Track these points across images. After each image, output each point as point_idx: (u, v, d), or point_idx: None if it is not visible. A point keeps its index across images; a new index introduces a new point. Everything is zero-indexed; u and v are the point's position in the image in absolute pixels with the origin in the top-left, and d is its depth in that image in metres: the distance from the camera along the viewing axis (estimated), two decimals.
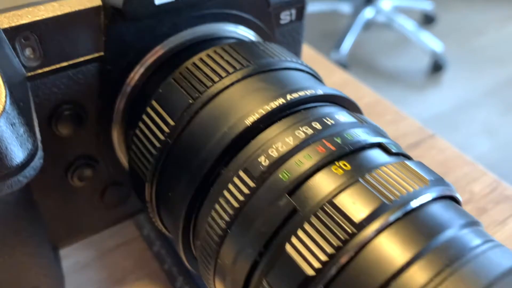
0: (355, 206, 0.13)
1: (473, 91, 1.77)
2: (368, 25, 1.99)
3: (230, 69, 0.17)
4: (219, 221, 0.15)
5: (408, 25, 1.86)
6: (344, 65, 1.72)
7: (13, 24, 0.16)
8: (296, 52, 0.24)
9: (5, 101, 0.13)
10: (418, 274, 0.12)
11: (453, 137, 1.50)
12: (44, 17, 0.16)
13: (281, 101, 0.16)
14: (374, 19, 1.89)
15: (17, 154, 0.14)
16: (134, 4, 0.17)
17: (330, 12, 2.00)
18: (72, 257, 0.26)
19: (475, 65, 1.89)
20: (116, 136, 0.20)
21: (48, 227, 0.20)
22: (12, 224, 0.16)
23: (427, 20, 2.10)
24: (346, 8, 1.88)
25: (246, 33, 0.21)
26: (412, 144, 0.34)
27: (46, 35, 0.17)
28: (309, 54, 0.43)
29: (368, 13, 1.89)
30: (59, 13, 0.16)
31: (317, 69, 0.40)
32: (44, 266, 0.20)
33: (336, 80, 0.39)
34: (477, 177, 0.32)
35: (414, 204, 0.13)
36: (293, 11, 0.23)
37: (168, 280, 0.25)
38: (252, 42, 0.19)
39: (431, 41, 1.84)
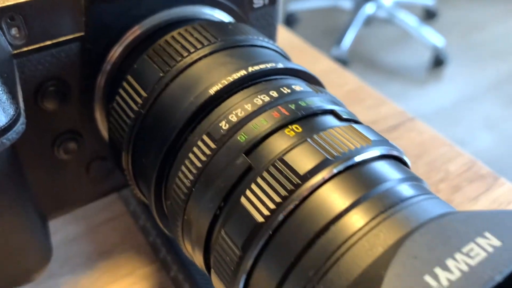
0: (302, 161, 0.15)
1: (474, 85, 1.77)
2: (369, 20, 2.00)
3: (199, 45, 0.19)
4: (185, 180, 0.17)
5: (409, 20, 1.86)
6: (345, 60, 1.73)
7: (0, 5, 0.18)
8: (271, 35, 0.25)
9: None
10: (355, 218, 0.14)
11: (454, 131, 1.50)
12: None
13: (242, 73, 0.17)
14: (375, 14, 1.90)
15: (3, 115, 0.15)
16: None
17: (331, 8, 2.01)
18: (62, 231, 0.27)
19: (476, 60, 1.89)
20: (98, 112, 0.22)
21: (37, 198, 0.21)
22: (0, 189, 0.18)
23: (428, 15, 2.10)
24: (347, 4, 1.89)
25: (221, 16, 0.22)
26: (392, 127, 0.36)
27: (30, 15, 0.18)
28: (296, 43, 0.44)
29: (369, 8, 1.90)
30: None
31: (303, 57, 0.42)
32: (32, 234, 0.21)
33: (322, 68, 0.41)
34: (453, 157, 0.34)
35: (356, 159, 0.15)
36: None
37: (152, 251, 0.27)
38: (222, 22, 0.21)
39: (432, 36, 1.84)
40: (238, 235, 0.15)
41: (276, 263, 0.14)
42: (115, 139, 0.20)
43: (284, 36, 0.45)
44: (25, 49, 0.19)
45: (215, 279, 0.17)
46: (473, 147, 1.44)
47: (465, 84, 1.75)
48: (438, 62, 1.83)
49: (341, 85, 0.39)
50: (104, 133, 0.22)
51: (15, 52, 0.19)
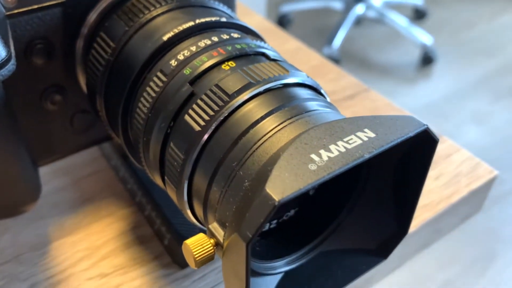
0: (231, 85, 0.19)
1: (463, 81, 1.81)
2: (360, 20, 2.04)
3: (157, 5, 0.23)
4: (143, 109, 0.21)
5: (399, 20, 1.90)
6: (336, 59, 1.77)
7: None
8: (230, 5, 0.29)
9: None
10: (268, 123, 0.18)
11: (443, 125, 1.54)
12: None
13: (191, 23, 0.21)
14: (365, 14, 1.94)
15: None
16: None
17: (322, 9, 2.05)
18: (51, 183, 0.31)
19: (464, 57, 1.93)
20: (79, 69, 0.26)
21: (27, 143, 0.25)
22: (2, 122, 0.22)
23: (418, 15, 2.14)
24: (337, 5, 1.93)
25: None
26: (349, 96, 0.40)
27: None
28: (267, 26, 0.49)
29: (359, 9, 1.94)
30: None
31: (273, 38, 0.46)
32: (24, 170, 0.25)
33: (289, 48, 0.45)
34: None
35: (273, 84, 0.19)
36: None
37: (130, 196, 0.31)
38: None
39: (421, 35, 1.88)
40: (182, 143, 0.19)
41: (210, 161, 0.18)
42: (91, 86, 0.24)
43: (258, 22, 0.49)
44: (16, 11, 0.23)
45: (168, 188, 0.21)
46: (462, 141, 1.48)
47: (453, 81, 1.79)
48: (427, 60, 1.86)
49: (306, 61, 0.43)
50: (84, 88, 0.26)
51: (8, 13, 0.23)
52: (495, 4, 2.25)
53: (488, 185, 0.33)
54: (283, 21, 1.98)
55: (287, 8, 1.96)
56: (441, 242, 0.33)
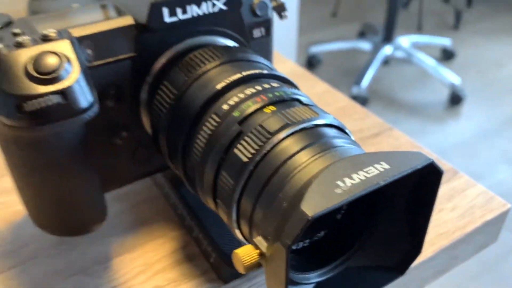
0: (272, 125, 0.23)
1: (492, 121, 1.82)
2: (388, 60, 2.08)
3: (211, 60, 0.28)
4: (200, 144, 0.25)
5: (427, 59, 1.93)
6: (364, 98, 1.81)
7: (80, 34, 0.27)
8: (267, 59, 0.34)
9: (80, 70, 0.24)
10: (302, 156, 0.22)
11: (473, 165, 1.55)
12: (99, 30, 0.28)
13: (238, 75, 0.26)
14: (393, 55, 1.98)
15: (86, 100, 0.24)
16: (152, 21, 0.28)
17: (351, 50, 2.10)
18: (112, 207, 0.36)
19: (493, 97, 1.94)
20: (143, 111, 0.31)
21: (97, 171, 0.30)
22: (77, 150, 0.27)
23: (446, 56, 2.17)
24: (365, 46, 1.98)
25: (229, 43, 0.32)
26: (374, 134, 0.44)
27: (99, 41, 0.28)
28: (298, 71, 0.54)
29: (387, 49, 1.98)
30: (108, 28, 0.28)
31: (304, 82, 0.51)
32: (95, 194, 0.30)
33: (318, 90, 0.50)
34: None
35: (306, 124, 0.23)
36: (263, 29, 0.33)
37: (179, 220, 0.35)
38: (228, 46, 0.30)
39: (450, 75, 1.90)
40: (232, 172, 0.23)
41: (255, 187, 0.23)
42: (154, 126, 0.29)
43: (291, 67, 0.54)
44: (95, 63, 0.28)
45: (220, 210, 0.25)
46: (491, 181, 1.48)
47: (482, 120, 1.79)
48: (455, 99, 1.88)
49: (333, 102, 0.48)
50: (147, 127, 0.31)
51: (89, 65, 0.28)
52: None
53: (502, 217, 0.36)
54: (312, 62, 2.04)
55: (316, 49, 2.02)
56: (459, 268, 0.36)
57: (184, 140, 0.26)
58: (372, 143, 0.42)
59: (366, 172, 0.21)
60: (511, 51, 2.21)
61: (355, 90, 1.81)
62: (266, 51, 0.34)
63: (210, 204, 0.26)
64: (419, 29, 2.30)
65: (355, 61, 2.08)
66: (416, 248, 0.25)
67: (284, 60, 0.56)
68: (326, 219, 0.25)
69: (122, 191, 0.36)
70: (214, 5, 0.29)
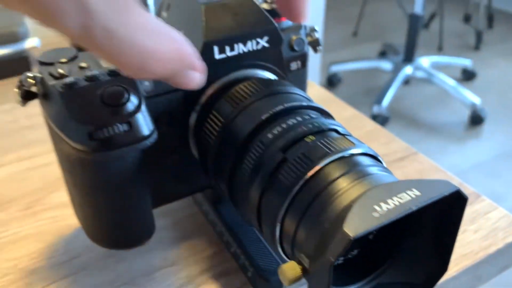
0: (314, 153, 0.26)
1: None
2: (408, 80, 2.10)
3: (255, 93, 0.31)
4: (247, 168, 0.28)
5: (447, 80, 1.94)
6: (385, 117, 1.83)
7: None
8: (302, 88, 0.37)
9: (143, 102, 0.27)
10: (341, 182, 0.25)
11: (494, 185, 1.55)
12: None
13: (281, 107, 0.29)
14: (413, 74, 1.99)
15: (148, 128, 0.28)
16: (204, 58, 0.31)
17: (372, 69, 2.13)
18: (156, 223, 0.39)
19: None
20: (190, 136, 0.34)
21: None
22: (135, 171, 0.30)
23: (467, 76, 2.17)
24: (386, 66, 2.01)
25: (268, 75, 0.35)
26: (399, 158, 0.46)
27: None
28: (326, 96, 0.56)
29: (407, 69, 1.99)
30: None
31: (333, 106, 0.54)
32: (148, 211, 0.33)
33: (346, 115, 0.52)
34: None
35: (344, 153, 0.26)
36: (299, 62, 0.36)
37: (218, 237, 0.38)
38: (269, 79, 0.33)
39: (470, 95, 1.90)
40: (277, 195, 0.26)
41: (298, 209, 0.25)
42: (202, 150, 0.32)
43: (320, 93, 0.57)
44: (152, 94, 0.32)
45: (264, 228, 0.28)
46: None
47: (503, 141, 1.79)
48: (476, 119, 1.88)
49: (360, 127, 0.50)
50: (193, 149, 0.34)
51: (147, 96, 0.31)
52: None
53: None
54: (333, 80, 2.06)
55: (337, 68, 2.05)
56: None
57: (231, 164, 0.29)
58: (398, 167, 0.45)
59: (400, 198, 0.23)
60: None
61: (375, 109, 1.83)
62: (301, 81, 0.37)
63: (253, 222, 0.29)
64: (440, 50, 2.32)
65: (375, 80, 2.11)
66: (442, 267, 0.27)
67: (312, 84, 0.59)
68: (360, 239, 0.28)
69: (165, 208, 0.39)
70: (258, 43, 0.32)
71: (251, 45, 0.32)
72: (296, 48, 0.35)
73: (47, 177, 0.45)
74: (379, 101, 1.83)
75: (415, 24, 1.91)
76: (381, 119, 1.77)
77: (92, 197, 0.30)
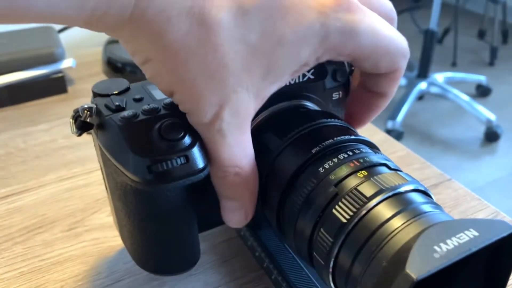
0: (367, 190, 0.26)
1: None
2: (422, 95, 2.09)
3: (305, 125, 0.31)
4: (298, 201, 0.29)
5: (462, 95, 1.93)
6: (399, 133, 1.82)
7: None
8: (343, 116, 0.38)
9: (197, 135, 0.28)
10: (397, 220, 0.25)
11: (510, 203, 1.54)
12: None
13: (331, 141, 0.30)
14: (428, 90, 1.99)
15: (203, 161, 0.28)
16: None
17: None
18: None
19: None
20: None
21: None
22: (187, 202, 0.30)
23: (481, 92, 2.16)
24: (401, 81, 2.00)
25: (312, 106, 0.35)
26: (433, 185, 0.46)
27: None
28: None
29: (422, 85, 1.99)
30: None
31: (364, 131, 0.53)
32: (194, 238, 0.33)
33: (378, 139, 0.53)
34: (481, 208, 0.44)
35: (398, 190, 0.26)
36: (341, 91, 0.37)
37: (258, 262, 0.38)
38: (316, 110, 0.33)
39: (485, 111, 1.89)
40: (331, 230, 0.27)
41: (353, 245, 0.26)
42: None
43: None
44: None
45: (316, 261, 0.28)
46: None
47: None
48: (492, 136, 1.87)
49: (393, 152, 0.51)
50: None
51: None
52: None
53: None
54: None
55: None
56: None
57: (280, 195, 0.30)
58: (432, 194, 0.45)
59: (458, 238, 0.23)
60: None
61: (390, 125, 1.83)
62: (342, 109, 0.37)
63: (302, 253, 0.29)
64: (454, 65, 2.32)
65: None
66: None
67: None
68: None
69: (203, 233, 0.40)
70: (304, 75, 0.32)
71: (297, 78, 0.32)
72: (339, 79, 0.35)
73: (87, 197, 0.45)
74: (393, 116, 1.83)
75: (430, 40, 1.92)
76: (395, 135, 1.77)
77: (144, 225, 0.31)
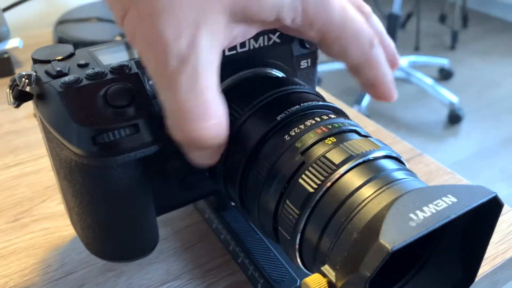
0: (336, 157, 0.24)
1: (491, 140, 1.84)
2: None
3: (270, 92, 0.29)
4: (261, 172, 0.26)
5: (425, 78, 1.95)
6: (365, 116, 1.82)
7: None
8: (313, 86, 0.35)
9: (149, 101, 0.25)
10: (368, 189, 0.23)
11: (473, 183, 1.57)
12: None
13: (297, 106, 0.27)
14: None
15: (155, 132, 0.25)
16: None
17: None
18: None
19: (492, 116, 1.96)
20: None
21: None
22: (140, 179, 0.27)
23: (444, 75, 2.20)
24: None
25: (278, 74, 0.33)
26: (405, 160, 0.45)
27: None
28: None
29: None
30: None
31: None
32: (152, 220, 0.30)
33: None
34: (454, 182, 0.42)
35: (369, 156, 0.24)
36: (309, 60, 0.34)
37: (224, 246, 0.35)
38: (282, 77, 0.31)
39: (448, 94, 1.92)
40: (297, 201, 0.24)
41: (321, 217, 0.23)
42: None
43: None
44: None
45: (280, 237, 0.26)
46: None
47: (481, 139, 1.82)
48: (454, 118, 1.90)
49: (363, 127, 0.49)
50: None
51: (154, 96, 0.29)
52: None
53: None
54: None
55: (321, 67, 2.04)
56: None
57: (242, 168, 0.27)
58: None
59: (436, 205, 0.21)
60: (507, 71, 2.24)
61: (355, 109, 1.83)
62: (310, 80, 0.35)
63: (267, 230, 0.27)
64: (417, 49, 2.34)
65: (354, 80, 2.11)
66: (469, 278, 0.26)
67: None
68: None
69: (164, 217, 0.37)
70: (270, 38, 0.30)
71: (262, 41, 0.30)
72: (307, 45, 0.33)
73: (36, 185, 0.41)
74: (358, 101, 1.83)
75: (393, 24, 1.92)
76: None
77: (93, 207, 0.28)
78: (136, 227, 0.30)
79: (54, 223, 0.37)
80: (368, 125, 0.49)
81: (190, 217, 0.38)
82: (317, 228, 0.24)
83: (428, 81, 1.91)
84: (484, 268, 0.34)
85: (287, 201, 0.25)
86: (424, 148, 1.75)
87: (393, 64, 0.30)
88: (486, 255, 0.34)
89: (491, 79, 2.16)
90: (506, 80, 2.13)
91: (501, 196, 0.23)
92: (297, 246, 0.25)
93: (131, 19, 0.21)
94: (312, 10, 0.25)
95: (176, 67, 0.21)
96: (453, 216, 0.21)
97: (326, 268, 0.23)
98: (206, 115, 0.23)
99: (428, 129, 1.88)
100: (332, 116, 0.27)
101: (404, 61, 2.01)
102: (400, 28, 2.40)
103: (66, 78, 0.25)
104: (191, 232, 0.37)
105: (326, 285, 0.22)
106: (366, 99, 1.83)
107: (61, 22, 0.65)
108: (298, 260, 0.25)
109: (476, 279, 0.33)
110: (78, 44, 0.61)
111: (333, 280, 0.22)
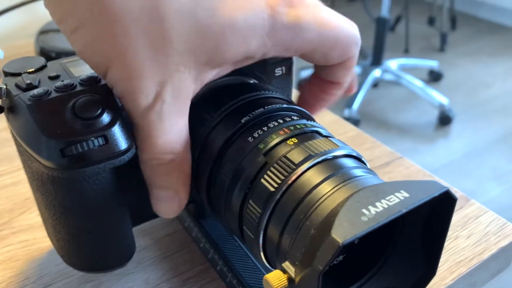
0: (296, 156, 0.25)
1: (481, 140, 1.85)
2: (377, 82, 2.12)
3: (237, 98, 0.29)
4: (227, 174, 0.27)
5: (415, 81, 1.97)
6: (356, 120, 1.84)
7: None
8: (288, 94, 0.36)
9: (119, 113, 0.26)
10: (326, 186, 0.24)
11: (464, 183, 1.58)
12: None
13: (262, 109, 0.28)
14: (382, 77, 2.02)
15: (126, 142, 0.25)
16: None
17: None
18: (135, 242, 0.37)
19: (482, 117, 1.98)
20: None
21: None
22: (113, 189, 0.28)
23: (434, 77, 2.21)
24: (355, 69, 2.02)
25: (253, 81, 0.33)
26: (384, 164, 0.45)
27: None
28: None
29: (376, 72, 2.02)
30: None
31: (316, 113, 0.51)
32: (128, 230, 0.31)
33: (328, 120, 0.51)
34: None
35: (328, 155, 0.25)
36: (284, 68, 0.35)
37: (203, 254, 0.35)
38: (248, 82, 0.32)
39: (438, 96, 1.93)
40: (259, 201, 0.25)
41: (282, 215, 0.24)
42: None
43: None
44: None
45: (246, 236, 0.26)
46: (483, 198, 1.51)
47: (472, 139, 1.83)
48: (445, 120, 1.91)
49: (343, 133, 0.50)
50: None
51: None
52: (508, 65, 2.31)
53: None
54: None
55: (306, 73, 2.06)
56: None
57: (209, 171, 0.28)
58: (384, 172, 0.44)
59: (388, 200, 0.22)
60: (496, 71, 2.26)
61: (346, 113, 1.84)
62: (286, 87, 0.35)
63: (234, 231, 0.28)
64: (406, 52, 2.36)
65: None
66: (431, 270, 0.27)
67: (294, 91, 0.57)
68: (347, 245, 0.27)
69: (143, 227, 0.37)
70: None
71: None
72: None
73: (15, 197, 0.41)
74: (349, 104, 1.84)
75: (382, 27, 1.94)
76: (352, 122, 1.78)
77: (67, 218, 0.28)
78: (111, 238, 0.30)
79: (33, 234, 0.38)
80: (349, 130, 0.50)
81: (169, 226, 0.38)
82: (278, 226, 0.24)
83: (418, 83, 1.92)
84: (461, 270, 0.34)
85: (251, 201, 0.26)
86: (415, 149, 1.76)
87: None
88: (462, 257, 0.35)
89: (480, 80, 2.17)
90: (495, 81, 2.15)
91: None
92: (260, 244, 0.26)
93: (110, 76, 0.25)
94: (284, 42, 0.27)
95: (143, 113, 0.25)
96: (404, 211, 0.22)
97: (286, 265, 0.23)
98: (165, 150, 0.27)
99: (419, 131, 1.90)
100: (295, 118, 0.28)
101: (394, 64, 2.03)
102: (390, 31, 2.42)
103: (36, 91, 0.25)
104: (170, 241, 0.37)
105: (286, 281, 0.23)
106: (357, 102, 1.85)
107: (43, 32, 0.66)
108: (263, 257, 0.26)
109: (453, 281, 0.34)
110: (61, 54, 0.61)
111: (293, 275, 0.23)
